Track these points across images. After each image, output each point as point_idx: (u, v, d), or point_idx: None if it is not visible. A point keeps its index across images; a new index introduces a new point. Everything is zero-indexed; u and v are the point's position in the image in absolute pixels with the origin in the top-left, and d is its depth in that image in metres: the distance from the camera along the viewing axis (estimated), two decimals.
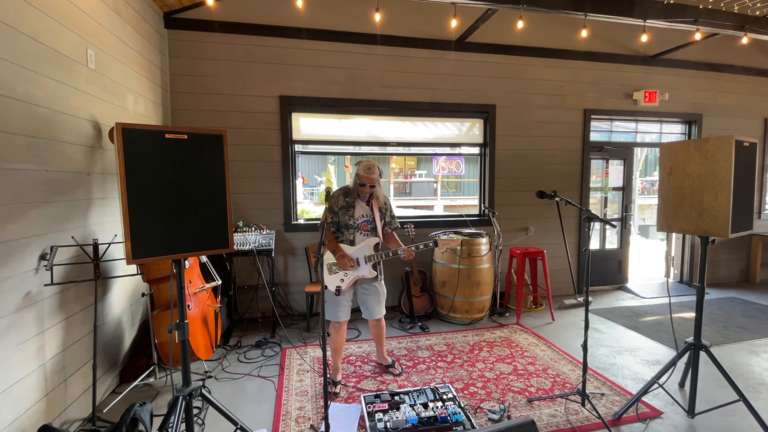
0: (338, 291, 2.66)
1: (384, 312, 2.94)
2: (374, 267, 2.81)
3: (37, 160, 2.09)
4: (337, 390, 2.78)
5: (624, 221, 5.41)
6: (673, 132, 5.56)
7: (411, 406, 2.49)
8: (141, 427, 2.14)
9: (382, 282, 2.91)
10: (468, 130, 4.76)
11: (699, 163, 2.27)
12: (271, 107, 4.11)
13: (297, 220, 4.37)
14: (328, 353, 3.14)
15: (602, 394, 2.74)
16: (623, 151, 5.35)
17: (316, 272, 2.73)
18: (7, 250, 1.88)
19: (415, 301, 4.16)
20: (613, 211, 5.49)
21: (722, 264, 5.76)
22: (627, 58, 5.02)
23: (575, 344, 3.55)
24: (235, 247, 3.42)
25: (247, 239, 3.67)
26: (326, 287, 2.72)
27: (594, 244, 5.47)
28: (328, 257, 2.76)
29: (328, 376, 2.89)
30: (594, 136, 5.13)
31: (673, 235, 5.67)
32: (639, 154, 10.86)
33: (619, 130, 5.35)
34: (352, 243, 2.77)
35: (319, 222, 2.85)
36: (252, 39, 4.00)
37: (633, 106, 5.14)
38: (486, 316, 4.25)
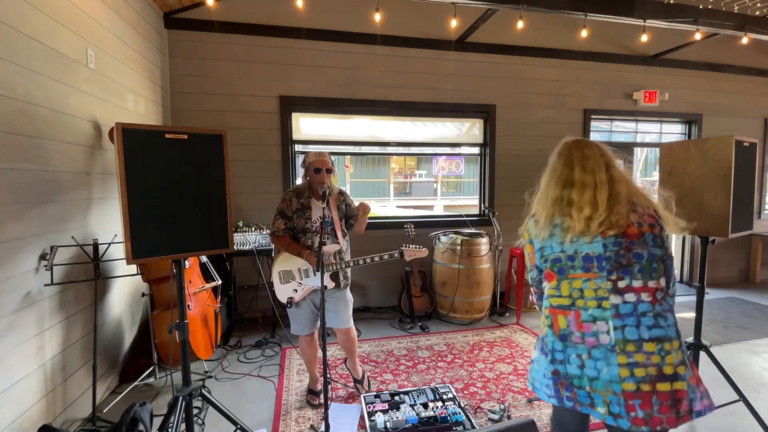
0: (290, 303, 2.45)
1: (352, 322, 2.65)
2: (334, 276, 2.50)
3: (37, 160, 2.08)
4: (320, 401, 2.61)
5: None
6: (673, 132, 5.56)
7: (411, 406, 2.49)
8: (141, 427, 2.14)
9: (348, 290, 2.62)
10: (468, 130, 4.75)
11: (699, 163, 2.27)
12: (271, 107, 4.11)
13: None
14: (328, 353, 3.14)
15: None
16: (623, 151, 5.34)
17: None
18: (7, 250, 1.88)
19: (415, 301, 4.16)
20: None
21: (722, 264, 5.75)
22: (627, 58, 5.02)
23: None
24: (235, 247, 3.41)
25: (247, 239, 3.67)
26: (291, 300, 2.49)
27: None
28: (280, 264, 2.49)
29: (308, 385, 2.77)
30: (594, 136, 5.13)
31: (673, 235, 5.66)
32: (639, 154, 10.84)
33: (619, 130, 5.35)
34: (311, 249, 2.43)
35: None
36: (252, 39, 4.00)
37: (633, 106, 5.14)
38: (486, 316, 4.25)
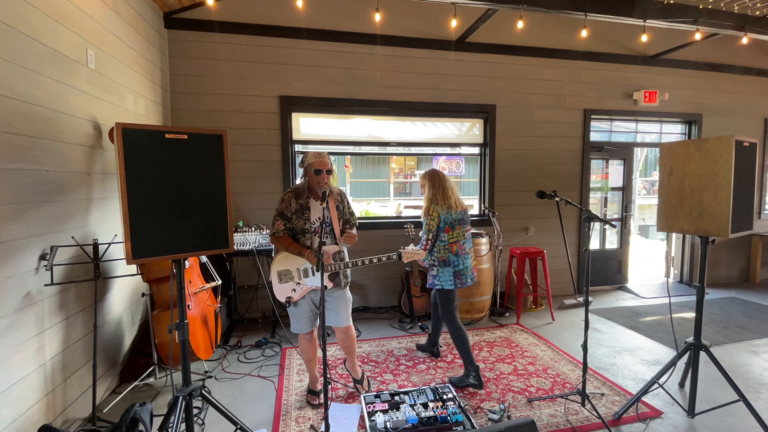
0: (288, 302, 2.46)
1: (351, 321, 2.66)
2: (334, 276, 2.51)
3: (37, 160, 2.09)
4: (320, 401, 2.64)
5: (624, 221, 5.41)
6: (673, 132, 5.56)
7: (411, 406, 2.49)
8: (141, 427, 2.14)
9: (347, 289, 2.63)
10: (468, 130, 4.75)
11: (699, 163, 2.27)
12: (271, 107, 4.11)
13: None
14: (328, 353, 3.13)
15: (602, 394, 2.74)
16: (623, 151, 5.35)
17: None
18: (7, 250, 1.89)
19: (415, 301, 4.16)
20: (613, 211, 5.49)
21: (722, 264, 5.76)
22: (627, 58, 5.02)
23: (575, 344, 3.55)
24: (235, 247, 3.42)
25: (247, 239, 3.67)
26: (290, 299, 2.50)
27: (594, 244, 5.47)
28: (278, 264, 2.49)
29: (307, 385, 2.79)
30: (594, 136, 5.13)
31: (673, 235, 5.67)
32: (639, 154, 10.85)
33: (619, 130, 5.35)
34: (311, 249, 2.46)
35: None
36: (252, 39, 4.00)
37: (633, 106, 5.14)
38: (486, 316, 4.25)
